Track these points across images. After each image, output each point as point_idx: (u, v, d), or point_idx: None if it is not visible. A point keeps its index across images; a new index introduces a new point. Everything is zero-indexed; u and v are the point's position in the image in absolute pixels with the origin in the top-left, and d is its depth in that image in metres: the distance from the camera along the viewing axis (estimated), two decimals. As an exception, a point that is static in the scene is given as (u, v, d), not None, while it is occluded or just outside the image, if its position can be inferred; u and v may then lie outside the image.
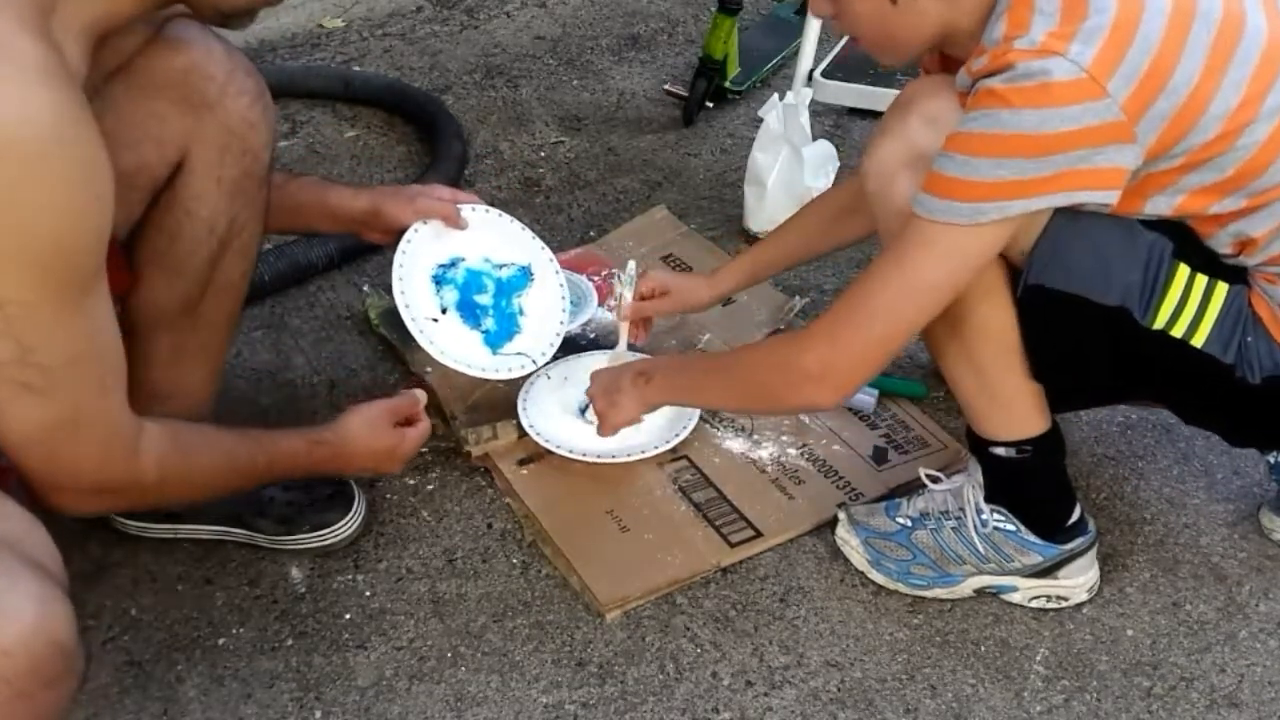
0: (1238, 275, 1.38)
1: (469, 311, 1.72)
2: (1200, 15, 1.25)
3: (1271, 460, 1.68)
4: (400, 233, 1.66)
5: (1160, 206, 1.35)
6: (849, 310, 1.37)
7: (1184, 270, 1.36)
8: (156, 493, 1.28)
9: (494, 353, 1.73)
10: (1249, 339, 1.36)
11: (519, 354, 1.73)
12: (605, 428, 1.67)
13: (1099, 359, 1.41)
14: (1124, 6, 1.22)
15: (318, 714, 1.47)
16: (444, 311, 1.70)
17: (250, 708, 1.47)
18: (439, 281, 1.70)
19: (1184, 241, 1.37)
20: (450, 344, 1.67)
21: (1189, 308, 1.36)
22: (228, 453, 1.35)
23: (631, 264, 1.80)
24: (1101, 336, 1.38)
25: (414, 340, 1.66)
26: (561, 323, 1.77)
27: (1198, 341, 1.36)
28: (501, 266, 1.76)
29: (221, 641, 1.55)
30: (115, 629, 1.55)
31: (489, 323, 1.73)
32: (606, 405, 1.65)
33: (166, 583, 1.62)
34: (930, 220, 1.29)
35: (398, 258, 1.65)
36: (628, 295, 1.78)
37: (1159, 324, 1.36)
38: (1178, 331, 1.36)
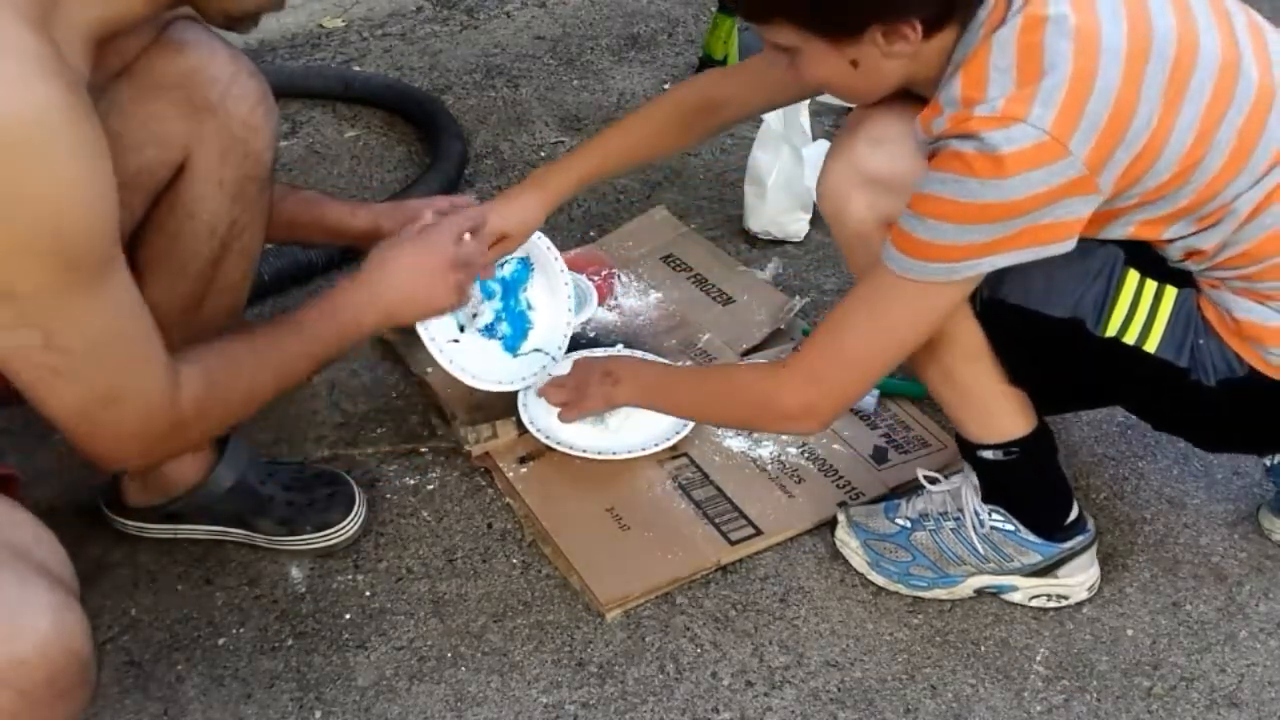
0: (1186, 279, 1.39)
1: (483, 323, 1.73)
2: (1155, 52, 1.24)
3: (1269, 463, 1.68)
4: None
5: (1114, 233, 1.36)
6: (827, 356, 1.40)
7: (1134, 276, 1.37)
8: (200, 428, 1.29)
9: (514, 355, 1.75)
10: (1200, 341, 1.37)
11: (536, 350, 1.75)
12: (566, 412, 1.68)
13: (1061, 369, 1.43)
14: (1080, 58, 1.21)
15: (318, 714, 1.47)
16: (462, 329, 1.70)
17: (250, 708, 1.47)
18: None
19: (1135, 249, 1.38)
20: (476, 364, 1.68)
21: (1139, 314, 1.36)
22: (266, 359, 1.34)
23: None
24: (1059, 347, 1.39)
25: (437, 361, 1.67)
26: (570, 309, 1.79)
27: (1150, 347, 1.36)
28: (503, 264, 1.76)
29: (221, 641, 1.55)
30: (115, 629, 1.56)
31: (503, 328, 1.74)
32: (575, 395, 1.66)
33: (166, 583, 1.62)
34: (904, 276, 1.30)
35: None
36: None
37: (1111, 332, 1.36)
38: (1130, 338, 1.36)
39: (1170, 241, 1.36)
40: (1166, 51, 1.25)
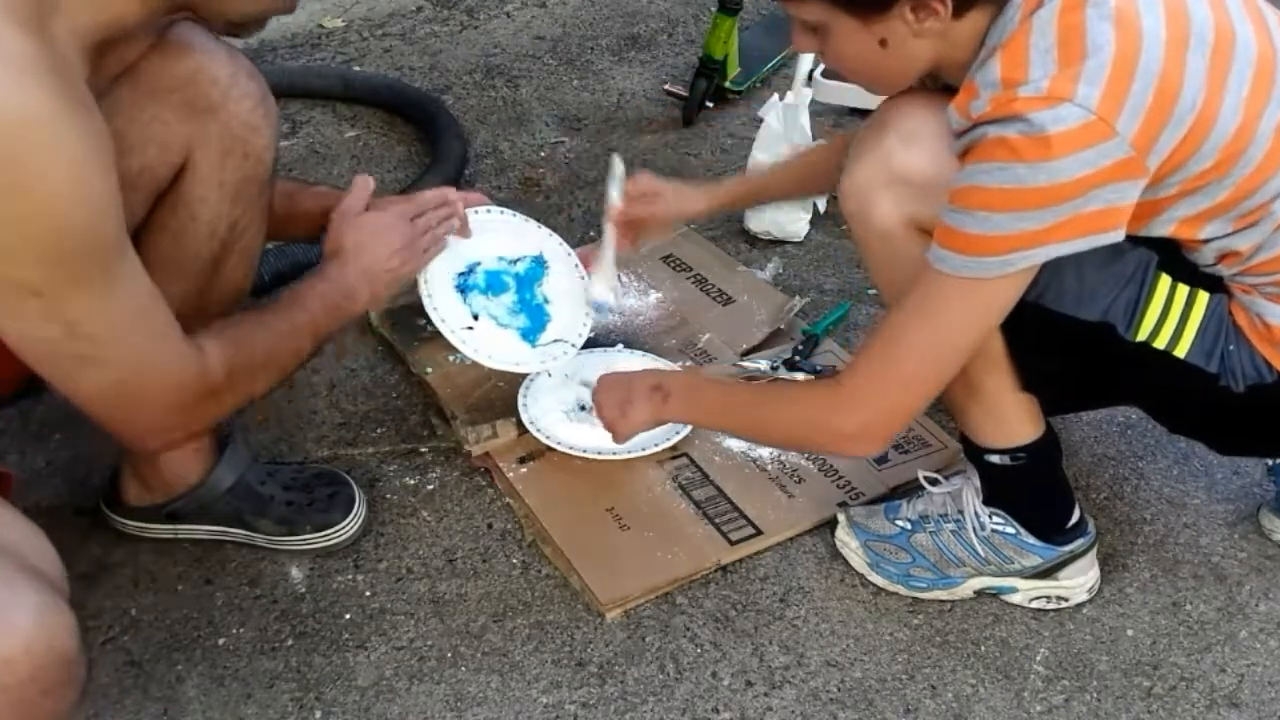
0: (1218, 284, 1.38)
1: (499, 312, 1.73)
2: (1195, 37, 1.24)
3: (1270, 462, 1.69)
4: None
5: (1155, 231, 1.35)
6: (882, 371, 1.36)
7: (1166, 281, 1.36)
8: (231, 395, 1.32)
9: (533, 346, 1.74)
10: (1231, 347, 1.36)
11: (556, 341, 1.75)
12: (618, 438, 1.63)
13: (1085, 372, 1.42)
14: (1122, 39, 1.20)
15: (318, 714, 1.47)
16: (476, 318, 1.70)
17: (250, 708, 1.47)
18: (463, 290, 1.70)
19: (1168, 252, 1.37)
20: (492, 348, 1.67)
21: (1171, 319, 1.36)
22: (275, 330, 1.38)
23: (616, 159, 1.70)
24: (1086, 351, 1.38)
25: (457, 350, 1.67)
26: (588, 301, 1.78)
27: (1181, 352, 1.36)
28: (515, 261, 1.76)
29: (221, 641, 1.55)
30: (115, 629, 1.55)
31: (521, 319, 1.74)
32: (617, 415, 1.60)
33: (166, 583, 1.62)
34: (956, 276, 1.27)
35: (420, 275, 1.64)
36: (615, 195, 1.67)
37: (1142, 336, 1.35)
38: (1160, 343, 1.36)
39: (1206, 242, 1.34)
40: (1206, 37, 1.24)
